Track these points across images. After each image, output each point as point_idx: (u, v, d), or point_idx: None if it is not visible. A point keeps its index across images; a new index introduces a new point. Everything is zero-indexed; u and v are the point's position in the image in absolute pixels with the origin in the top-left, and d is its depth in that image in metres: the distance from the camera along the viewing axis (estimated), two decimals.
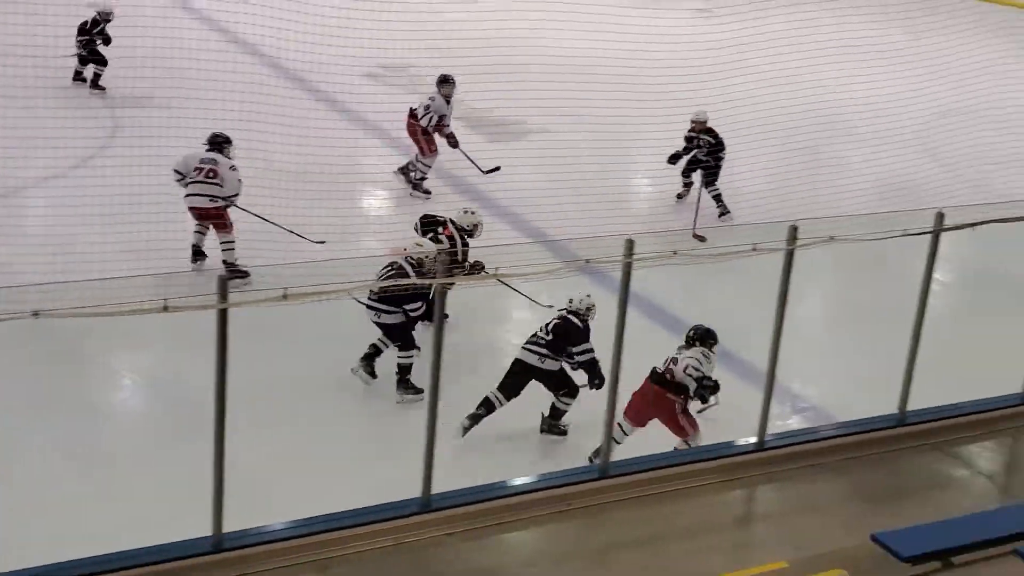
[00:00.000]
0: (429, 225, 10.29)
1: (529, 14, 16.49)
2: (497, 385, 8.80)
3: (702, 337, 8.58)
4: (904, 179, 14.89)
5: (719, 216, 13.93)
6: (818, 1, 20.62)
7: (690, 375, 8.30)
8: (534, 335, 8.88)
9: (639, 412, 8.46)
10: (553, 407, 8.90)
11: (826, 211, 12.56)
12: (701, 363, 8.36)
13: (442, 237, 10.11)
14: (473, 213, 10.51)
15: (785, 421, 9.17)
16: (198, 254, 11.30)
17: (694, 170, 14.16)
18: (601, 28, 16.57)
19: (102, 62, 15.73)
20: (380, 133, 15.23)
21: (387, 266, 9.34)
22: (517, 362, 8.84)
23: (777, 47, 16.95)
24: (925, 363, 7.89)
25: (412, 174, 13.73)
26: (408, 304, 9.05)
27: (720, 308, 10.53)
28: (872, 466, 7.52)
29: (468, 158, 13.72)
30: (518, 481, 7.06)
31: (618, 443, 8.01)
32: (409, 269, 9.13)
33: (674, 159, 14.13)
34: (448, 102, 13.63)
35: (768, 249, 7.05)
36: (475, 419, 8.66)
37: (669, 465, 7.21)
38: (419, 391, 8.97)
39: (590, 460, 8.03)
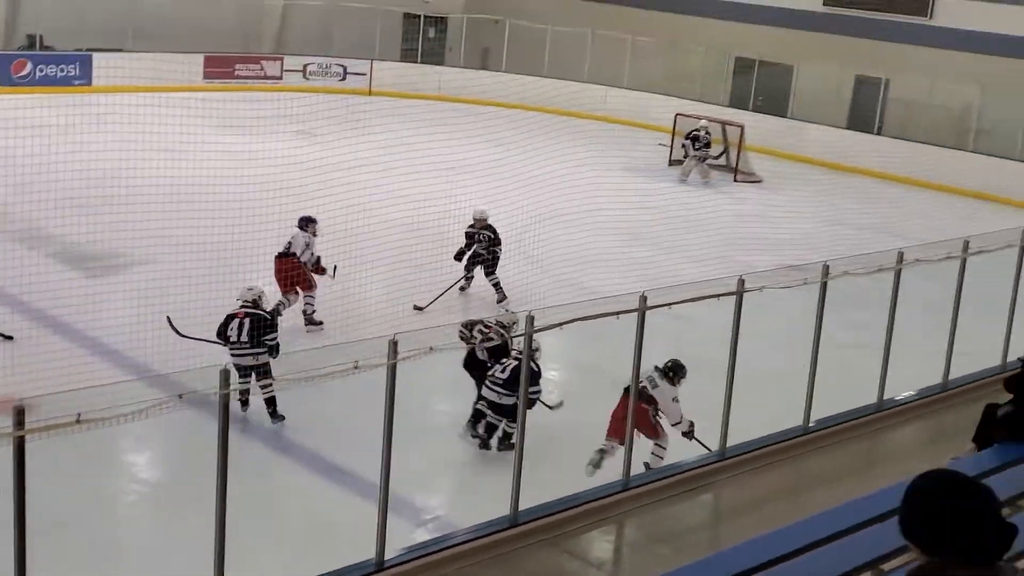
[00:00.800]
0: (474, 324, 11.10)
1: (128, 144, 16.07)
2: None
3: (675, 370, 10.62)
4: (508, 284, 15.59)
5: (497, 302, 15.15)
6: (412, 123, 21.63)
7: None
8: (492, 375, 10.75)
9: (618, 427, 10.03)
10: (505, 431, 10.72)
11: (433, 322, 12.95)
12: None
13: (491, 334, 10.95)
14: (512, 312, 11.68)
15: (409, 535, 9.16)
16: None
17: (475, 263, 15.39)
18: (205, 154, 16.44)
19: None
20: None
21: (230, 319, 11.12)
22: (481, 398, 10.78)
23: (376, 166, 17.52)
24: (535, 459, 8.17)
25: (305, 313, 13.99)
26: (267, 338, 11.05)
27: (335, 421, 10.52)
28: (490, 570, 7.62)
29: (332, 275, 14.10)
30: None
31: (610, 455, 10.09)
32: (253, 307, 11.23)
33: (459, 256, 15.35)
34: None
35: (371, 365, 7.07)
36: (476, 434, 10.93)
37: None
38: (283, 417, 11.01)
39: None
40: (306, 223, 14.24)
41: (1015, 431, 8.05)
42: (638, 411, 9.92)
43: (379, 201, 16.10)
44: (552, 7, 32.23)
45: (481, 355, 10.97)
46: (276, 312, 12.67)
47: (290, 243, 14.08)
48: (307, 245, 14.06)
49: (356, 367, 6.98)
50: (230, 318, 11.20)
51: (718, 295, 9.21)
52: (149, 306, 12.74)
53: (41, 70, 27.50)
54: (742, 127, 25.36)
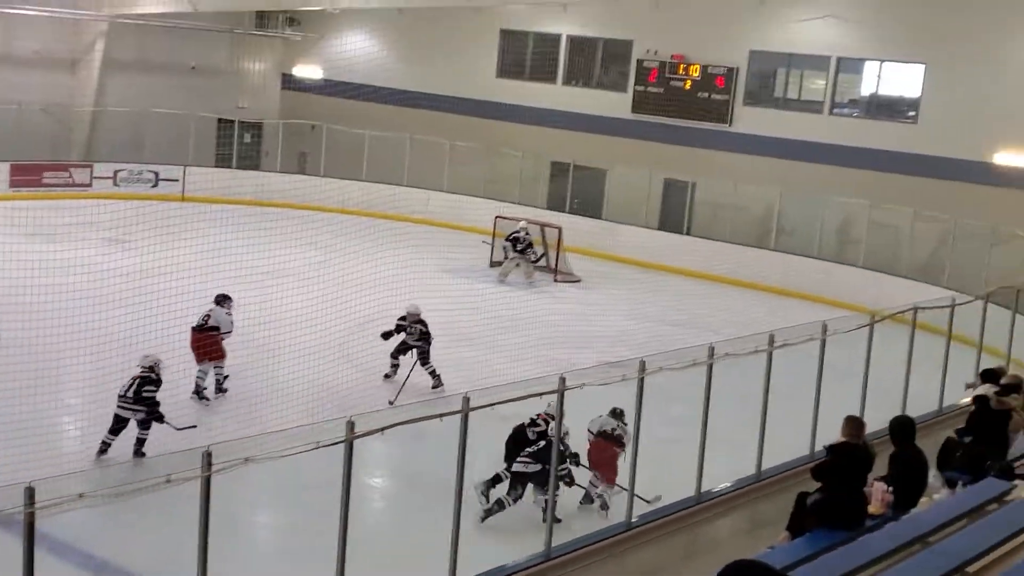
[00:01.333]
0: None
1: None
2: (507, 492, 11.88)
3: (623, 412, 11.98)
4: (332, 389, 15.36)
5: (432, 388, 15.99)
6: (227, 228, 21.31)
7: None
8: (524, 452, 11.83)
9: (595, 462, 12.13)
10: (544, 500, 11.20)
11: (257, 430, 12.67)
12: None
13: (540, 421, 12.08)
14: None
15: None
16: None
17: (403, 352, 16.30)
18: (12, 263, 15.86)
19: None
20: None
21: (132, 380, 12.85)
22: (514, 474, 11.89)
23: (192, 272, 17.15)
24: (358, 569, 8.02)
25: (218, 380, 15.34)
26: (144, 389, 12.78)
27: (144, 540, 10.08)
28: None
29: None
30: None
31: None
32: (150, 374, 12.91)
33: (386, 336, 16.37)
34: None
35: (184, 478, 6.84)
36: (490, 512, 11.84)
37: None
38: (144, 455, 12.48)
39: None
40: (224, 299, 15.64)
41: (824, 518, 8.37)
42: (609, 453, 12.08)
43: (195, 308, 15.73)
44: (369, 112, 32.52)
45: (531, 436, 12.06)
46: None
47: (208, 317, 15.38)
48: (231, 321, 15.56)
49: (168, 481, 6.74)
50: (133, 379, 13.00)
51: (540, 394, 9.32)
52: None
53: None
54: (560, 229, 25.96)
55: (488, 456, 11.98)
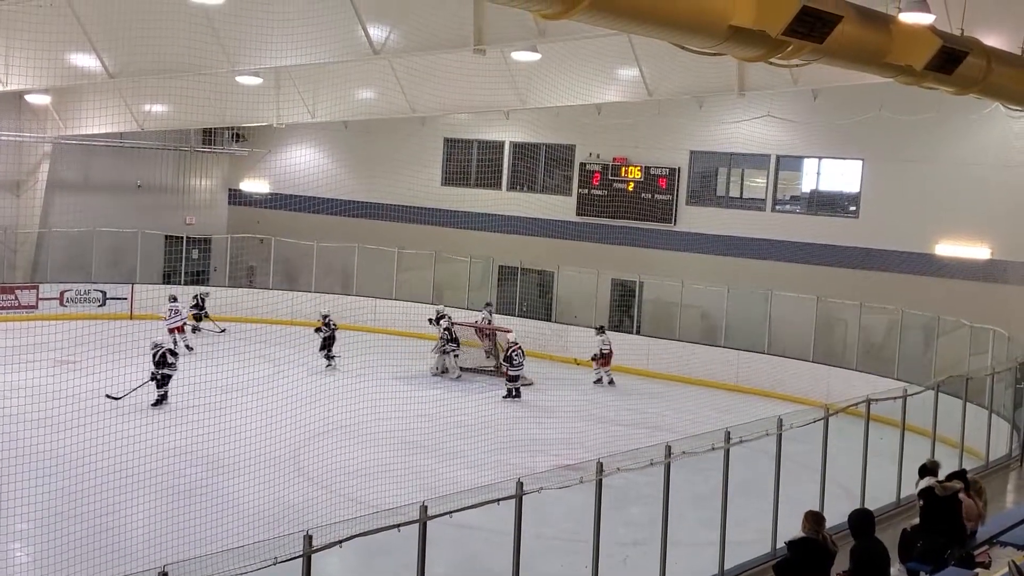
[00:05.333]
0: None
1: None
2: None
3: None
4: (287, 503, 15.13)
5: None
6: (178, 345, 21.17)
7: None
8: None
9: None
10: None
11: (212, 548, 12.37)
12: None
13: None
14: None
15: None
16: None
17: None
18: None
19: None
20: None
21: None
22: None
23: (142, 391, 16.96)
24: None
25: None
26: None
27: None
28: None
29: None
30: None
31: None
32: None
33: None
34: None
35: None
36: None
37: None
38: None
39: None
40: (487, 305, 27.12)
41: None
42: None
43: (145, 426, 15.53)
44: (317, 224, 32.66)
45: None
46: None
47: (486, 319, 26.82)
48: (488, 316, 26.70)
49: None
50: None
51: (498, 500, 9.24)
52: None
53: None
54: (510, 332, 26.01)
55: (447, 564, 11.80)
